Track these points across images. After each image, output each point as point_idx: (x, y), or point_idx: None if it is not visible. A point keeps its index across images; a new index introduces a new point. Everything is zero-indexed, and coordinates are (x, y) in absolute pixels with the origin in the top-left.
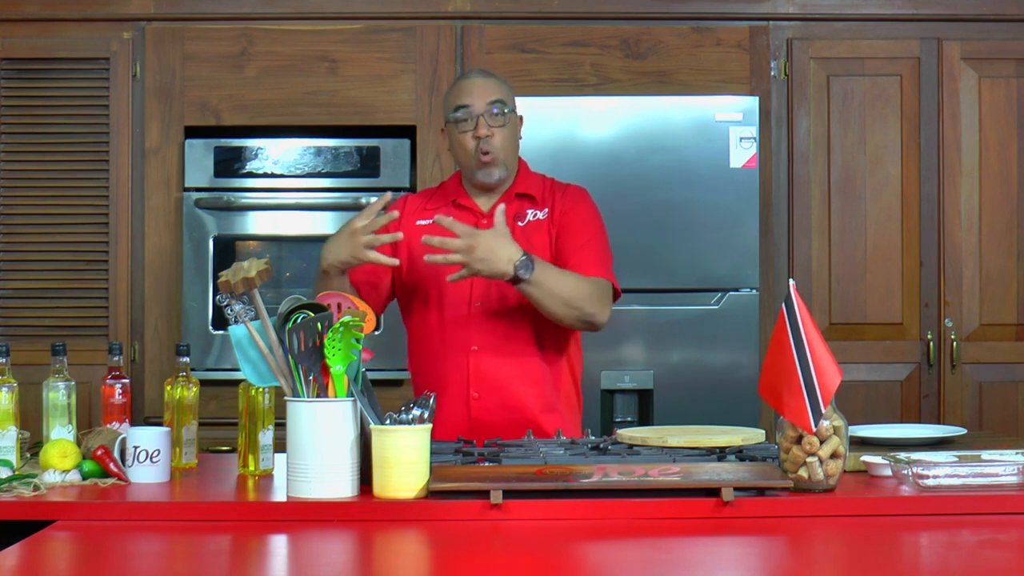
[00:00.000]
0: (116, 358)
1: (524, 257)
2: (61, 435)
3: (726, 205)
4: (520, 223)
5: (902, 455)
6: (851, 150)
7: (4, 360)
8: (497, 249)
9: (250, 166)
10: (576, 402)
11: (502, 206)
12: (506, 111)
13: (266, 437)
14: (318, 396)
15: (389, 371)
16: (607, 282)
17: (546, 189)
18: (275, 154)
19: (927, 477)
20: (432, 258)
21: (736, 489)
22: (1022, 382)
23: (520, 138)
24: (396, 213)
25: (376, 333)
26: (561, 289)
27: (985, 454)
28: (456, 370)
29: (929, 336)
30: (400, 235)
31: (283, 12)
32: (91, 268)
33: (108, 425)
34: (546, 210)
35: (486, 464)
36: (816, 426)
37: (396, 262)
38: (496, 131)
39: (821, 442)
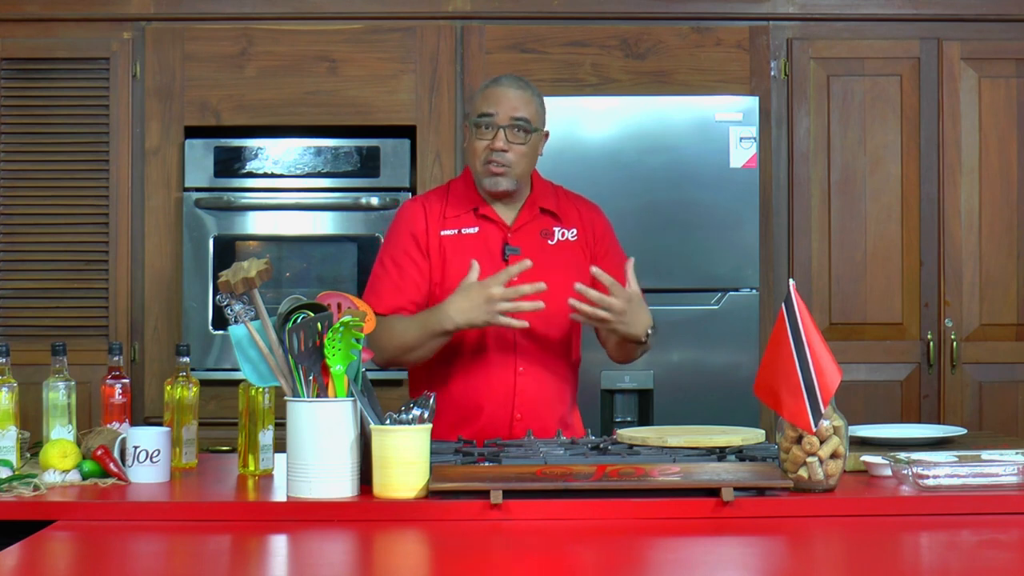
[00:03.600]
0: (116, 358)
1: (654, 325)
2: (61, 435)
3: (726, 205)
4: (550, 241)
5: (902, 455)
6: (851, 150)
7: (4, 360)
8: (640, 316)
9: (250, 166)
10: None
11: (632, 260)
12: (531, 129)
13: (266, 437)
14: (318, 396)
15: (389, 371)
16: None
17: (561, 201)
18: (275, 154)
19: (927, 477)
20: (578, 306)
21: (736, 489)
22: (1022, 382)
23: (540, 154)
24: (543, 285)
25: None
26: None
27: (985, 454)
28: (500, 390)
29: (929, 336)
30: (542, 304)
31: (283, 12)
32: (91, 268)
33: (108, 425)
34: (575, 231)
35: (486, 464)
36: (816, 426)
37: (526, 324)
38: (513, 146)
39: (821, 442)
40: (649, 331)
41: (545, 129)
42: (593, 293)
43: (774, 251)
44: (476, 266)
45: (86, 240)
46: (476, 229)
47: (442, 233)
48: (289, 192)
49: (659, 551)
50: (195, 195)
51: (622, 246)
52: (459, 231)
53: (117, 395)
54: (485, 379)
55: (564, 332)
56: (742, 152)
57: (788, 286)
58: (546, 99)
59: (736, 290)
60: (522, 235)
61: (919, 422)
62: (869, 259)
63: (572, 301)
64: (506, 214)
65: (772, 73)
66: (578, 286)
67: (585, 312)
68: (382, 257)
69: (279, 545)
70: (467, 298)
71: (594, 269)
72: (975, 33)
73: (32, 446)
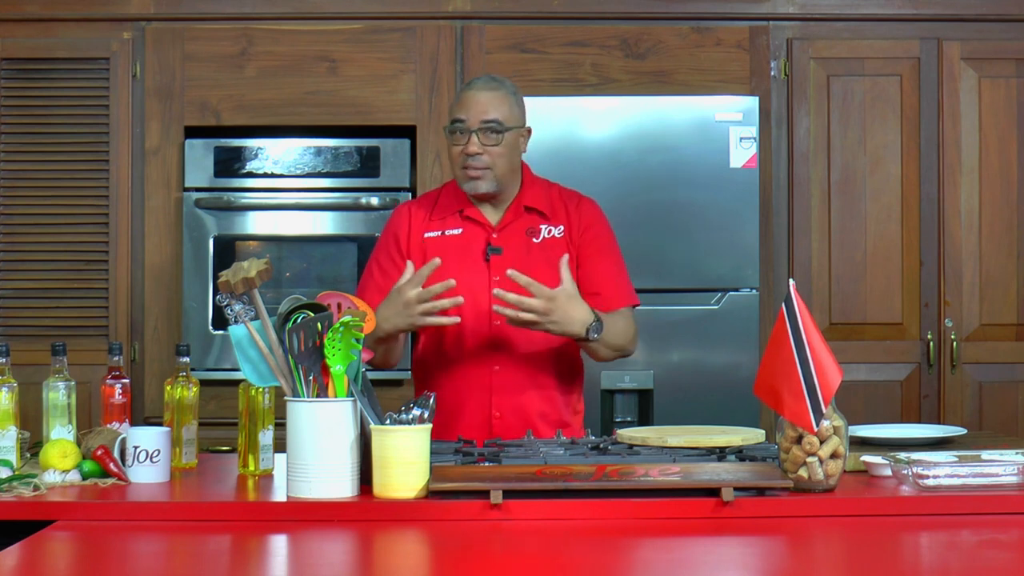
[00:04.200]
0: (116, 358)
1: (595, 321)
2: (61, 435)
3: (726, 205)
4: (535, 239)
5: (902, 455)
6: (851, 150)
7: (4, 360)
8: (572, 312)
9: (250, 166)
10: (582, 411)
11: (566, 256)
12: (502, 130)
13: (266, 437)
14: (318, 396)
15: (389, 371)
16: (634, 312)
17: (554, 200)
18: (275, 154)
19: (927, 477)
20: (502, 311)
21: (736, 489)
22: (1022, 382)
23: (524, 151)
24: (452, 282)
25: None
26: (614, 339)
27: (985, 454)
28: (478, 389)
29: (929, 336)
30: (461, 299)
31: (283, 12)
32: (91, 268)
33: (108, 425)
34: (561, 227)
35: (486, 464)
36: (817, 426)
37: (458, 320)
38: (488, 149)
39: (821, 442)
40: (590, 327)
41: (526, 126)
42: (510, 296)
43: (774, 251)
44: (410, 267)
45: (86, 240)
46: (460, 230)
47: (425, 235)
48: (289, 192)
49: (659, 551)
50: (195, 195)
51: (621, 246)
52: (442, 232)
53: (117, 395)
54: (463, 379)
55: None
56: (742, 152)
57: (788, 286)
58: (546, 99)
59: (736, 290)
60: (507, 235)
61: (919, 422)
62: (869, 259)
63: (495, 307)
64: (492, 215)
65: (772, 73)
66: (496, 291)
67: (508, 316)
68: (370, 261)
69: (279, 545)
70: (389, 305)
71: (509, 271)
72: (975, 33)
73: (32, 446)
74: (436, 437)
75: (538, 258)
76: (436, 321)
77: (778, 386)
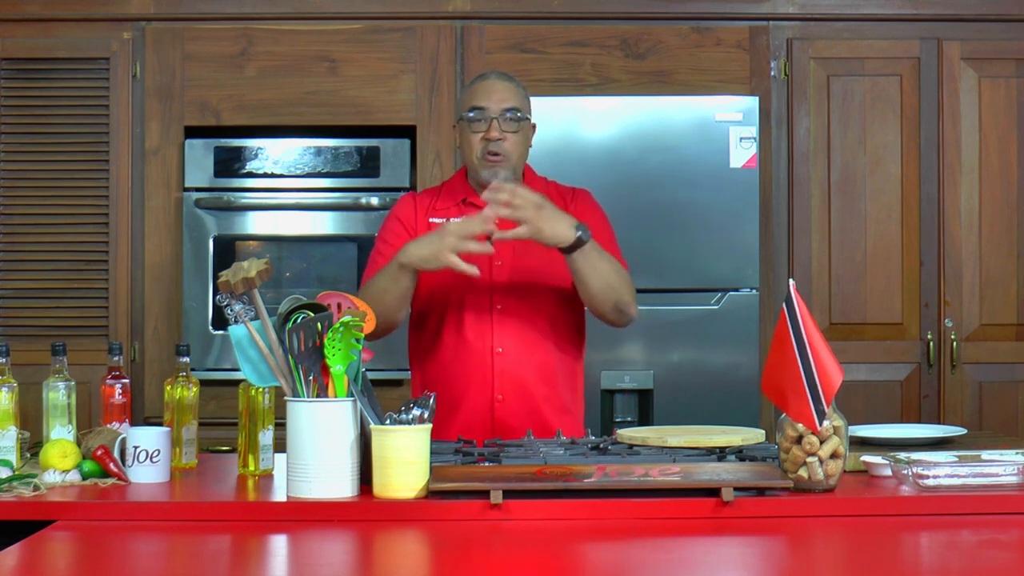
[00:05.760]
0: (116, 358)
1: (581, 223)
2: (61, 435)
3: (726, 205)
4: None
5: (902, 455)
6: (851, 150)
7: (4, 360)
8: (557, 217)
9: (250, 166)
10: (583, 403)
11: (529, 190)
12: (522, 118)
13: (266, 437)
14: (318, 396)
15: (389, 371)
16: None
17: (552, 193)
18: (275, 154)
19: (927, 477)
20: (500, 235)
21: (736, 489)
22: (1022, 382)
23: (531, 145)
24: (491, 247)
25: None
26: (607, 268)
27: (985, 454)
28: (480, 373)
29: (929, 336)
30: (491, 248)
31: (283, 12)
32: (91, 268)
33: (108, 425)
34: None
35: (486, 464)
36: (820, 424)
37: (476, 271)
38: (508, 135)
39: (821, 442)
40: (578, 226)
41: (532, 121)
42: (504, 190)
43: (774, 251)
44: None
45: (86, 240)
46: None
47: (430, 220)
48: (289, 192)
49: (659, 551)
50: (195, 195)
51: (621, 245)
52: (447, 219)
53: (117, 395)
54: (465, 362)
55: (547, 312)
56: (742, 152)
57: (788, 286)
58: (546, 99)
59: (736, 290)
60: (508, 221)
61: (919, 422)
62: (869, 259)
63: (487, 206)
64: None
65: (772, 73)
66: (485, 194)
67: (503, 216)
68: (376, 243)
69: (279, 545)
70: (427, 235)
71: (493, 182)
72: (975, 33)
73: (32, 446)
74: (438, 423)
75: (536, 245)
76: (457, 262)
77: (783, 386)
